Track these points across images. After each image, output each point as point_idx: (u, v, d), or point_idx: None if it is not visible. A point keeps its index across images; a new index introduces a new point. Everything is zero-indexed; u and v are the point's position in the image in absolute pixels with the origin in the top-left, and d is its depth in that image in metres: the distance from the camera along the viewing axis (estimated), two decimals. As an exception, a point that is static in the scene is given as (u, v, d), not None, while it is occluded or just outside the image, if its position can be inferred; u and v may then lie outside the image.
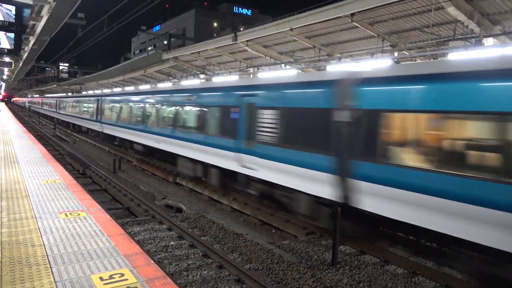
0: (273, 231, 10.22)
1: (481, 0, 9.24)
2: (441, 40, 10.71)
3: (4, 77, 35.52)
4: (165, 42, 30.37)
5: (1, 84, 43.78)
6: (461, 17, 9.48)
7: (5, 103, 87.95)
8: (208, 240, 8.87)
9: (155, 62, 25.94)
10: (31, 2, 9.62)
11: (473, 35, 9.95)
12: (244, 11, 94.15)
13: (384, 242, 8.69)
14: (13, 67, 23.99)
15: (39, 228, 5.43)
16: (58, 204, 6.70)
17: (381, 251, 8.17)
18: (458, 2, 9.16)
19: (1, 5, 8.47)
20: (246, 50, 16.56)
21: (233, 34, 15.71)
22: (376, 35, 12.13)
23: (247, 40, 15.43)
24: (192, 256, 7.79)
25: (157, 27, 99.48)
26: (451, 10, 9.31)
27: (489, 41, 9.95)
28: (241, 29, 16.48)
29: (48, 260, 4.38)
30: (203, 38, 23.33)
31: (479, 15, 9.67)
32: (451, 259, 7.44)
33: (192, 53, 20.10)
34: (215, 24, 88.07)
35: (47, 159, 11.79)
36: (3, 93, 69.27)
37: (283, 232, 9.94)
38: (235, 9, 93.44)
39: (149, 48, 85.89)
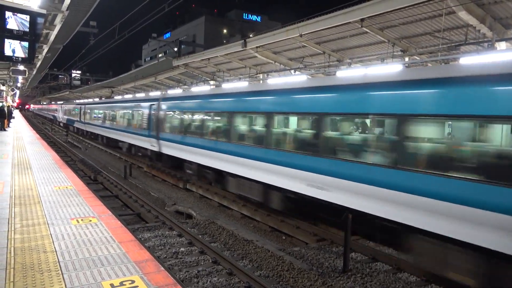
0: (283, 237, 10.16)
1: (493, 4, 9.13)
2: (452, 44, 10.60)
3: (19, 84, 36.21)
4: (175, 49, 30.66)
5: (16, 92, 44.61)
6: (473, 21, 9.37)
7: (19, 110, 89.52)
8: (218, 246, 8.86)
9: (165, 69, 26.16)
10: (45, 12, 9.80)
11: (485, 39, 9.82)
12: (254, 17, 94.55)
13: (396, 249, 8.57)
14: (27, 75, 24.47)
15: (51, 234, 5.48)
16: (69, 210, 6.76)
17: (393, 258, 8.05)
18: (470, 6, 9.06)
19: (16, 15, 8.63)
20: (256, 57, 16.60)
21: (243, 41, 15.77)
22: (386, 40, 12.05)
23: (256, 47, 15.47)
24: (202, 263, 7.78)
25: (168, 34, 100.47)
26: (463, 15, 9.21)
27: (501, 45, 9.81)
28: (251, 36, 16.55)
29: (60, 266, 4.41)
30: (213, 45, 23.47)
31: (491, 19, 9.55)
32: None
33: (202, 59, 20.22)
34: (225, 31, 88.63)
35: (59, 165, 11.93)
36: (17, 100, 70.56)
37: (293, 239, 9.88)
38: (245, 16, 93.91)
39: (160, 55, 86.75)
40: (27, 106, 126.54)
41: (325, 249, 8.70)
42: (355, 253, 8.42)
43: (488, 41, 9.53)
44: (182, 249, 8.49)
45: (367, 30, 11.47)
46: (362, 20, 10.74)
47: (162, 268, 4.49)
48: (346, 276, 7.19)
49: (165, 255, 8.12)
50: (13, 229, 5.61)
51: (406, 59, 12.19)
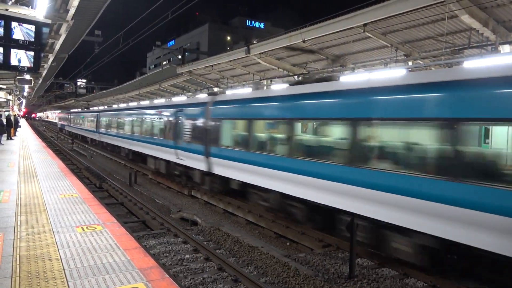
0: (289, 243, 10.11)
1: (496, 7, 9.11)
2: (455, 48, 10.59)
3: (25, 93, 36.59)
4: (180, 56, 30.90)
5: (22, 101, 45.06)
6: (476, 25, 9.35)
7: (26, 119, 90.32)
8: (223, 253, 8.83)
9: (169, 76, 26.36)
10: (50, 22, 9.92)
11: (489, 43, 9.80)
12: (257, 24, 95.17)
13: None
14: (33, 84, 24.73)
15: (56, 242, 5.50)
16: (75, 218, 6.78)
17: (400, 264, 7.97)
18: (472, 10, 9.05)
19: (21, 25, 8.73)
20: (259, 63, 16.67)
21: (246, 47, 15.85)
22: (389, 45, 12.06)
23: (260, 53, 15.54)
24: (207, 270, 7.76)
25: (172, 42, 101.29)
26: (465, 18, 9.20)
27: (505, 48, 9.78)
28: (254, 42, 16.61)
29: (65, 274, 4.42)
30: (216, 52, 23.60)
31: (494, 23, 9.53)
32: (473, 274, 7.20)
33: (206, 66, 20.33)
34: (228, 38, 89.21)
35: (64, 173, 12.00)
36: (24, 109, 71.30)
37: (298, 245, 9.83)
38: (248, 23, 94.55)
39: (164, 63, 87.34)
40: (33, 115, 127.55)
41: (330, 255, 8.65)
42: (361, 259, 8.35)
43: (491, 44, 9.51)
44: (187, 256, 8.48)
45: (370, 35, 11.48)
46: (364, 25, 10.76)
47: (167, 276, 4.48)
48: (352, 282, 7.13)
49: (170, 262, 8.10)
50: (19, 237, 5.64)
51: (410, 63, 12.18)
